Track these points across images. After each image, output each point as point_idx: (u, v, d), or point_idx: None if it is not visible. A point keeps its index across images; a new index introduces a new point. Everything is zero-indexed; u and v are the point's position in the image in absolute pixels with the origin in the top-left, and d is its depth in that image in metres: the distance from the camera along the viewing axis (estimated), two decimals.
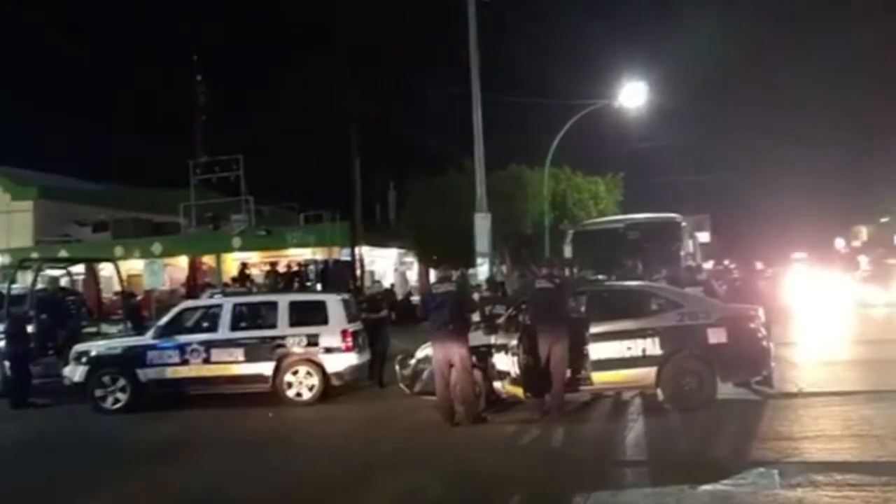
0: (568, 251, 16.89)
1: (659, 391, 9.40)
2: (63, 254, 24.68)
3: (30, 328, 12.60)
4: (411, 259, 34.30)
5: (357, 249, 26.54)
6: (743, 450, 7.20)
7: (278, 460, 8.08)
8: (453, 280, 9.82)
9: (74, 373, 11.44)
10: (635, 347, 9.21)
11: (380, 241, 31.77)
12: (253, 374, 11.24)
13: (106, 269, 17.05)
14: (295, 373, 11.29)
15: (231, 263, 28.13)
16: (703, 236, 30.72)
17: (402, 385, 10.61)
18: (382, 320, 12.90)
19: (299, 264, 25.73)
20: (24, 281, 14.80)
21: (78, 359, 11.46)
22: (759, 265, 14.44)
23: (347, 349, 11.40)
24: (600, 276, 11.58)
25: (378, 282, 15.08)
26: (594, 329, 9.32)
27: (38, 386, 12.49)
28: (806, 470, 6.42)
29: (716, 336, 9.14)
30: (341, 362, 11.36)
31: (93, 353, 11.48)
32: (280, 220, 30.63)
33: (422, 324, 12.06)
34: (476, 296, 12.01)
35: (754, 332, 9.34)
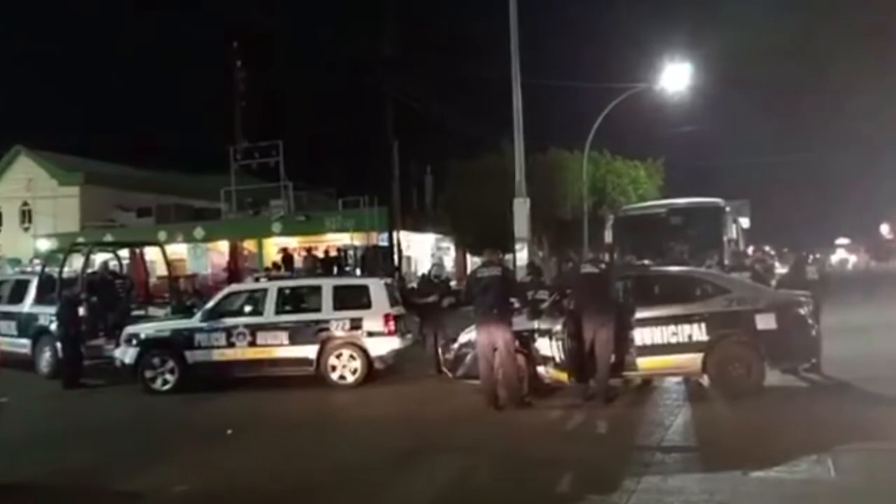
0: (608, 236, 16.77)
1: (705, 377, 9.31)
2: (108, 238, 25.26)
3: (81, 311, 12.88)
4: (448, 244, 34.38)
5: (395, 234, 26.63)
6: (795, 437, 7.10)
7: (323, 443, 8.18)
8: (500, 264, 9.76)
9: (125, 354, 11.71)
10: (681, 333, 9.11)
11: (417, 227, 31.90)
12: (297, 358, 11.39)
13: (149, 253, 17.33)
14: (339, 356, 11.41)
15: (271, 248, 28.50)
16: (744, 221, 30.26)
17: (444, 369, 10.66)
18: (432, 305, 12.47)
19: (338, 249, 25.94)
20: (70, 264, 15.10)
21: (128, 341, 11.73)
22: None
23: (390, 333, 11.48)
24: (646, 262, 11.46)
25: (437, 265, 14.79)
26: (640, 314, 9.25)
27: (89, 367, 12.80)
28: (862, 457, 6.34)
29: (764, 322, 9.00)
30: (384, 346, 11.45)
31: (143, 336, 11.73)
32: (318, 206, 30.96)
33: (460, 308, 12.02)
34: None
35: (804, 319, 9.18)
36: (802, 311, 9.24)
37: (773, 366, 9.15)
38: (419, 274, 18.96)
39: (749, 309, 9.11)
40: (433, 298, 12.28)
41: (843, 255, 56.51)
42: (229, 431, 8.56)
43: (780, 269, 16.67)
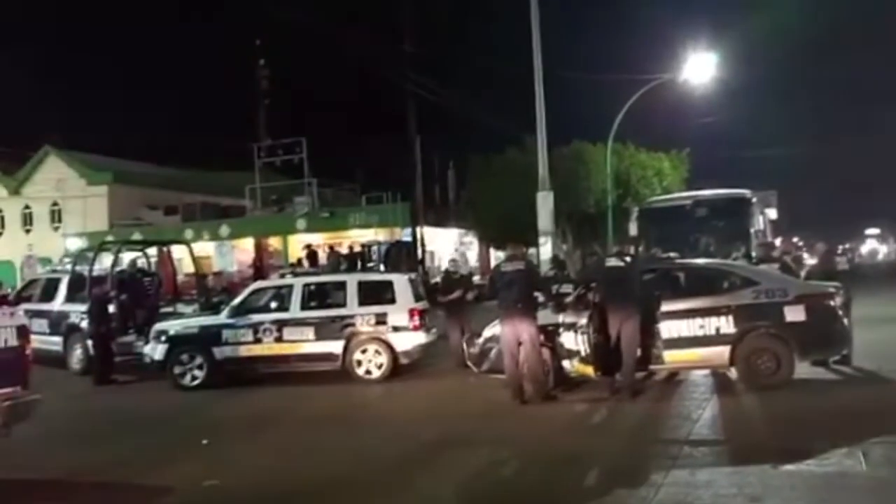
0: (633, 229, 16.65)
1: (733, 370, 9.22)
2: (136, 236, 25.60)
3: (111, 308, 13.07)
4: (471, 239, 34.34)
5: (418, 230, 26.66)
6: (825, 430, 7.00)
7: (350, 437, 8.21)
8: (523, 258, 9.73)
9: (154, 351, 11.88)
10: (709, 325, 9.02)
11: (440, 222, 31.90)
12: (323, 353, 11.48)
13: (176, 251, 17.55)
14: (364, 351, 11.48)
15: (296, 245, 28.68)
16: (771, 213, 29.89)
17: (469, 363, 10.67)
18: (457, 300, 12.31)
19: (362, 245, 26.02)
20: (100, 263, 15.31)
21: (157, 337, 11.89)
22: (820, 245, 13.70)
23: (415, 328, 11.52)
24: (672, 254, 11.36)
25: (454, 260, 14.65)
26: (666, 307, 9.18)
27: (120, 364, 13.00)
28: (893, 450, 6.24)
29: (793, 314, 8.87)
30: (409, 341, 11.49)
31: (171, 332, 11.88)
32: (342, 202, 31.10)
33: (485, 303, 11.97)
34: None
35: (834, 310, 9.05)
36: (832, 303, 9.10)
37: (803, 358, 9.03)
38: (442, 269, 18.94)
39: (778, 301, 8.98)
40: (458, 294, 12.22)
41: (874, 245, 55.67)
42: (205, 441, 8.26)
43: (809, 261, 16.46)
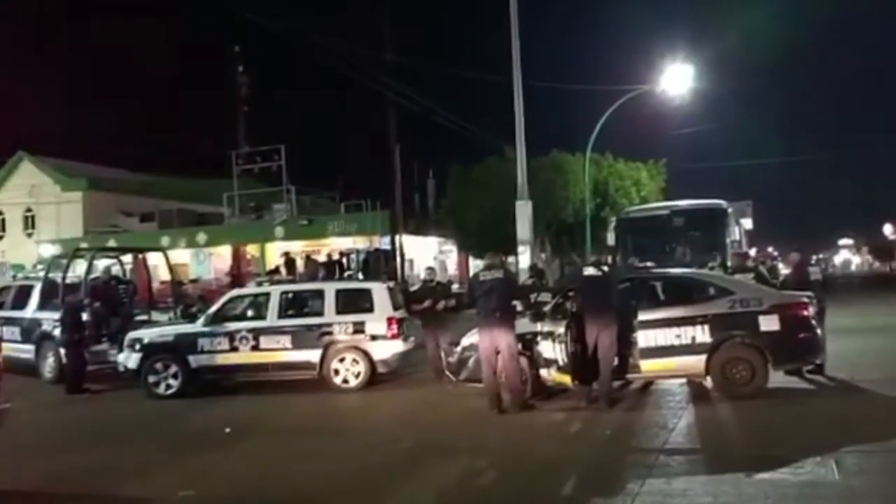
0: (611, 238, 16.79)
1: (708, 379, 9.29)
2: (112, 243, 25.27)
3: (84, 316, 12.89)
4: (450, 247, 34.37)
5: (397, 238, 26.60)
6: (798, 439, 7.10)
7: (327, 447, 8.15)
8: (502, 267, 9.75)
9: (128, 359, 11.73)
10: (684, 335, 9.10)
11: (419, 230, 31.87)
12: (300, 361, 11.40)
13: (152, 258, 17.35)
14: (342, 360, 11.41)
15: (274, 253, 28.52)
16: (747, 223, 30.30)
17: (447, 372, 10.67)
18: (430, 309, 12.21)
19: (341, 253, 25.93)
20: (73, 270, 15.12)
21: (132, 346, 11.75)
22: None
23: (393, 337, 11.48)
24: (649, 264, 11.45)
25: (430, 268, 14.44)
26: (643, 317, 9.24)
27: (93, 372, 12.80)
28: (865, 459, 6.33)
29: (767, 323, 8.98)
30: (387, 350, 11.45)
31: (146, 341, 11.74)
32: (321, 209, 31.00)
33: (463, 311, 11.96)
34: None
35: (807, 320, 9.17)
36: (806, 312, 9.22)
37: (777, 367, 9.14)
38: (421, 277, 18.96)
39: (752, 310, 9.08)
40: (428, 303, 12.06)
41: (847, 255, 56.55)
42: (227, 430, 8.67)
43: (784, 270, 16.68)
